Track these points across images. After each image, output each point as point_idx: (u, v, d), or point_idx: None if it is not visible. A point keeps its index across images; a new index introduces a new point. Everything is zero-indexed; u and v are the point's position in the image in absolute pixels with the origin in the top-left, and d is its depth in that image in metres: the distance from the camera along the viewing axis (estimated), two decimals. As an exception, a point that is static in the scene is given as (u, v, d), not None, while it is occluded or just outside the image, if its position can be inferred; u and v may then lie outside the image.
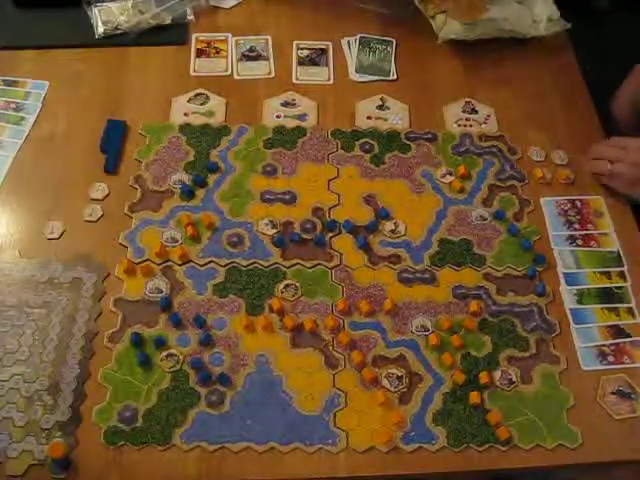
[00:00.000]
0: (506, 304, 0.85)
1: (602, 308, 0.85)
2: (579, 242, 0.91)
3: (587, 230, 0.92)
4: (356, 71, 1.06)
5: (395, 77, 1.07)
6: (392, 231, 0.90)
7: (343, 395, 0.78)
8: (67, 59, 1.05)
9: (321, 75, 1.06)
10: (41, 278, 0.83)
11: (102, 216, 0.89)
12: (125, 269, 0.84)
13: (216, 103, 1.01)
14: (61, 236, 0.87)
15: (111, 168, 0.93)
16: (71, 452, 0.72)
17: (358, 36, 1.10)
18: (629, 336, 0.84)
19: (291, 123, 1.00)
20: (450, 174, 0.95)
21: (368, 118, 1.01)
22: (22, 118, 0.98)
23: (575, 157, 0.99)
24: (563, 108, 1.05)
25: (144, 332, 0.80)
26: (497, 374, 0.80)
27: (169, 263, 0.86)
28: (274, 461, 0.74)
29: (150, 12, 1.09)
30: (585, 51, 1.13)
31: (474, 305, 0.84)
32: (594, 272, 0.88)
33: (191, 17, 1.10)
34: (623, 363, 0.82)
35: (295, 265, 0.87)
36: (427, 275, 0.87)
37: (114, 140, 0.95)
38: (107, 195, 0.91)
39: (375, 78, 1.06)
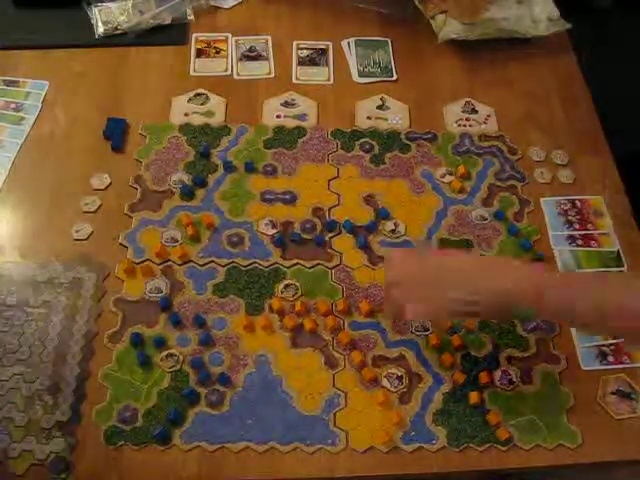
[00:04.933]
0: (506, 304, 0.85)
1: (602, 308, 0.85)
2: (579, 242, 0.91)
3: (587, 230, 0.92)
4: (359, 76, 1.06)
5: (395, 77, 1.07)
6: (392, 231, 0.90)
7: (343, 395, 0.78)
8: (67, 59, 1.05)
9: (321, 75, 1.06)
10: (41, 278, 0.83)
11: (101, 211, 0.89)
12: (125, 269, 0.84)
13: (216, 103, 1.01)
14: (89, 236, 0.87)
15: (118, 144, 0.95)
16: (71, 452, 0.72)
17: (358, 38, 1.10)
18: (629, 336, 0.84)
19: (291, 123, 1.00)
20: (450, 174, 0.95)
21: (368, 118, 1.01)
22: (22, 118, 0.98)
23: (575, 157, 0.99)
24: (563, 108, 1.05)
25: (144, 332, 0.80)
26: (497, 374, 0.80)
27: (169, 263, 0.86)
28: (274, 461, 0.74)
29: (150, 12, 1.09)
30: (585, 51, 1.13)
31: (474, 305, 0.84)
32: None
33: (191, 17, 1.10)
34: (623, 363, 0.82)
35: (295, 265, 0.87)
36: (427, 275, 0.87)
37: (116, 134, 0.96)
38: (107, 195, 0.91)
39: (376, 79, 1.06)
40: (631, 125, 1.30)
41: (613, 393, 0.79)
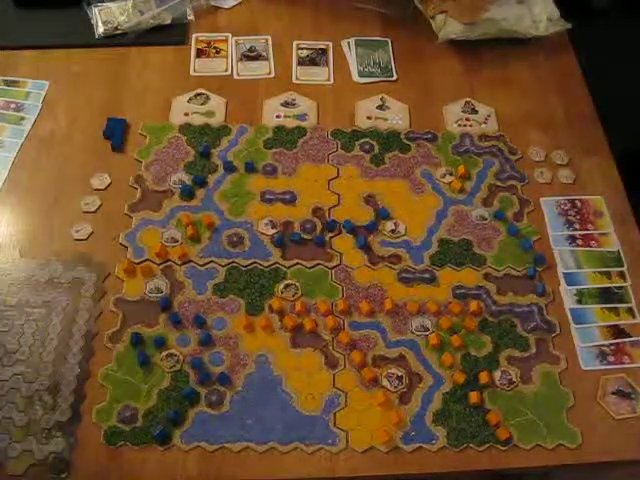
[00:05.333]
0: (506, 304, 0.85)
1: (602, 308, 0.85)
2: (579, 242, 0.91)
3: (587, 230, 0.92)
4: (359, 76, 1.06)
5: (395, 77, 1.07)
6: (392, 231, 0.90)
7: (343, 395, 0.78)
8: (67, 59, 1.05)
9: (321, 75, 1.06)
10: (41, 278, 0.83)
11: (101, 211, 0.89)
12: (125, 269, 0.84)
13: (216, 103, 1.01)
14: (89, 237, 0.87)
15: (118, 144, 0.95)
16: (71, 452, 0.72)
17: (358, 38, 1.10)
18: (629, 336, 0.84)
19: (291, 123, 1.00)
20: (450, 174, 0.95)
21: (368, 118, 1.01)
22: (22, 118, 0.98)
23: (575, 157, 0.99)
24: (563, 108, 1.05)
25: (144, 332, 0.80)
26: (497, 374, 0.80)
27: (169, 263, 0.86)
28: (274, 461, 0.74)
29: (150, 12, 1.09)
30: (585, 51, 1.13)
31: (474, 305, 0.84)
32: (594, 272, 0.88)
33: (191, 17, 1.10)
34: (623, 363, 0.82)
35: (295, 265, 0.87)
36: (427, 275, 0.87)
37: (116, 134, 0.96)
38: (107, 195, 0.91)
39: (376, 79, 1.06)
40: (631, 125, 1.30)
41: (613, 393, 0.79)
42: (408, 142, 0.99)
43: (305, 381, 0.78)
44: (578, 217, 0.93)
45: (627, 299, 0.86)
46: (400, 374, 0.79)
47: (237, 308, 0.83)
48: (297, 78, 1.06)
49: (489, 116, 1.03)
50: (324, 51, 1.09)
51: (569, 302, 0.86)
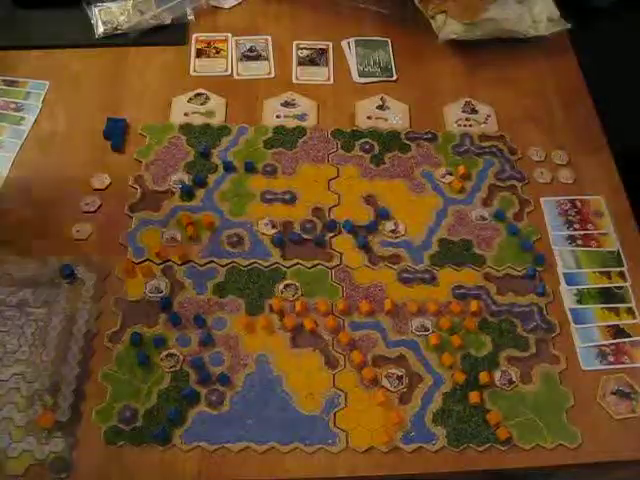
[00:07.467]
0: (506, 304, 0.85)
1: (602, 308, 0.85)
2: (579, 242, 0.91)
3: (587, 230, 0.92)
4: (359, 76, 1.06)
5: (395, 77, 1.07)
6: (392, 231, 0.90)
7: (343, 395, 0.78)
8: (67, 59, 1.05)
9: (321, 75, 1.06)
10: (41, 278, 0.83)
11: (101, 211, 0.89)
12: (125, 269, 0.84)
13: (216, 103, 1.01)
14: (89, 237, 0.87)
15: (118, 144, 0.95)
16: (71, 452, 0.72)
17: (358, 38, 1.10)
18: (629, 336, 0.84)
19: (291, 123, 1.00)
20: (450, 174, 0.95)
21: (368, 118, 1.01)
22: (22, 118, 0.98)
23: (575, 157, 0.99)
24: (563, 108, 1.05)
25: (144, 332, 0.80)
26: (497, 374, 0.80)
27: (169, 263, 0.86)
28: (274, 461, 0.74)
29: (150, 12, 1.09)
30: (585, 51, 1.13)
31: (474, 305, 0.84)
32: (594, 272, 0.88)
33: (191, 17, 1.10)
34: (623, 363, 0.82)
35: (295, 265, 0.87)
36: (427, 275, 0.87)
37: (116, 134, 0.96)
38: (107, 195, 0.91)
39: (376, 79, 1.06)
40: (631, 125, 1.30)
41: (613, 393, 0.79)
42: (408, 142, 0.99)
43: (305, 381, 0.78)
44: (578, 217, 0.93)
45: (627, 299, 0.86)
46: (400, 374, 0.79)
47: (237, 308, 0.83)
48: (297, 78, 1.06)
49: (489, 116, 1.03)
50: (324, 51, 1.09)
51: (569, 302, 0.86)
